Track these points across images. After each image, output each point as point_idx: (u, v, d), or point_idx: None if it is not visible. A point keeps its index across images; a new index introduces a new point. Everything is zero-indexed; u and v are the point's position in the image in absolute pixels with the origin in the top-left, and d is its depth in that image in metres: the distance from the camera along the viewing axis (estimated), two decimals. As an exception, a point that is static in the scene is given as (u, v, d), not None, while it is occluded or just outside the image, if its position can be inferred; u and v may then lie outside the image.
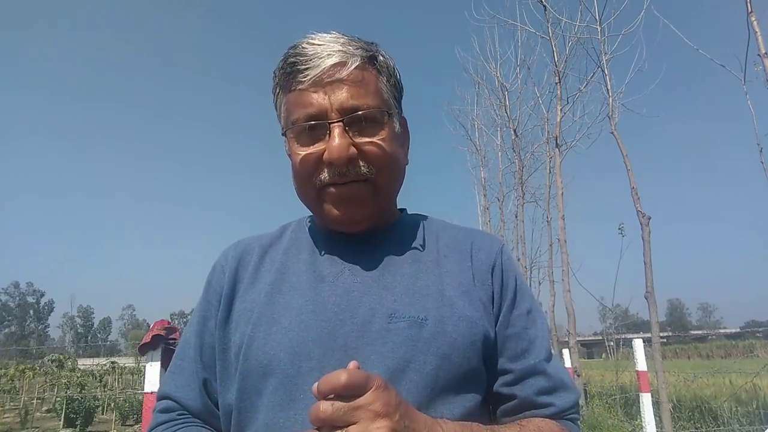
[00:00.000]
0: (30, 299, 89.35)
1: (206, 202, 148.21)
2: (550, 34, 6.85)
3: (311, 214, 0.85)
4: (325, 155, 0.69)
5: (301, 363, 0.64)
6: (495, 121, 11.02)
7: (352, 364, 0.56)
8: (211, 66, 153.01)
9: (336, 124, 0.68)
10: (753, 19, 3.23)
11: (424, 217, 0.86)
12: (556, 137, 6.90)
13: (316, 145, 0.70)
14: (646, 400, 3.91)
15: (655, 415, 3.99)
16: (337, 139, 0.67)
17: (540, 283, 11.42)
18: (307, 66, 0.69)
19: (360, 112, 0.69)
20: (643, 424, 3.93)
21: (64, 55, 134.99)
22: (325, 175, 0.70)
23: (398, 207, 0.87)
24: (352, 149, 0.69)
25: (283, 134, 0.76)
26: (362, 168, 0.70)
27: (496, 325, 0.73)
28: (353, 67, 0.70)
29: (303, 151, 0.71)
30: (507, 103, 9.88)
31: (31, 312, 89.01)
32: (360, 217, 0.73)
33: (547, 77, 8.58)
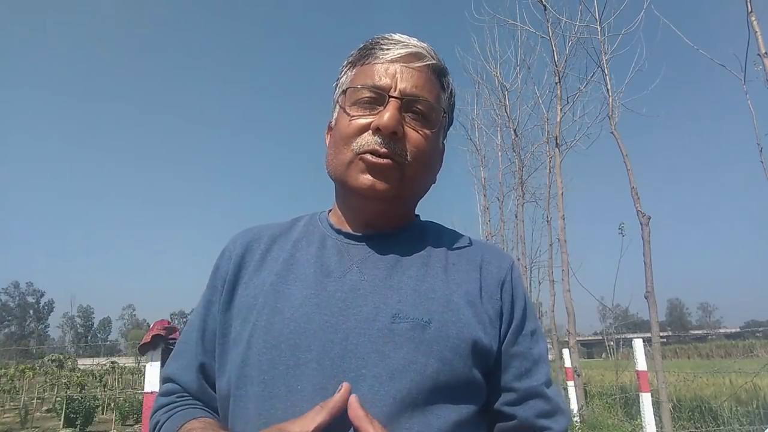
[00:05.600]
0: (30, 299, 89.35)
1: (207, 202, 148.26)
2: (550, 34, 6.85)
3: (323, 211, 0.86)
4: (375, 122, 0.72)
5: (300, 354, 0.65)
6: (495, 120, 11.03)
7: (345, 386, 0.60)
8: (213, 65, 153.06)
9: (394, 99, 0.72)
10: (753, 18, 3.23)
11: (437, 225, 0.87)
12: (556, 137, 6.89)
13: (368, 114, 0.73)
14: (646, 399, 3.92)
15: (655, 415, 4.00)
16: (390, 111, 0.71)
17: (540, 283, 11.43)
18: (389, 47, 0.75)
19: (420, 98, 0.73)
20: (643, 424, 3.94)
21: (64, 53, 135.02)
22: (366, 140, 0.72)
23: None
24: (400, 126, 0.72)
25: (342, 93, 0.78)
26: (401, 149, 0.72)
27: (500, 342, 0.73)
28: (427, 63, 0.75)
29: (354, 113, 0.74)
30: (507, 103, 9.88)
31: (31, 312, 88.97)
32: (381, 190, 0.72)
33: (547, 77, 8.59)
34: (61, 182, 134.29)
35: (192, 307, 0.83)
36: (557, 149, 6.86)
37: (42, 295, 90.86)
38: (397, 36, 0.76)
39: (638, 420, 5.20)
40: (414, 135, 0.73)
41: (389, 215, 0.78)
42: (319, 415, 0.57)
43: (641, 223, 4.69)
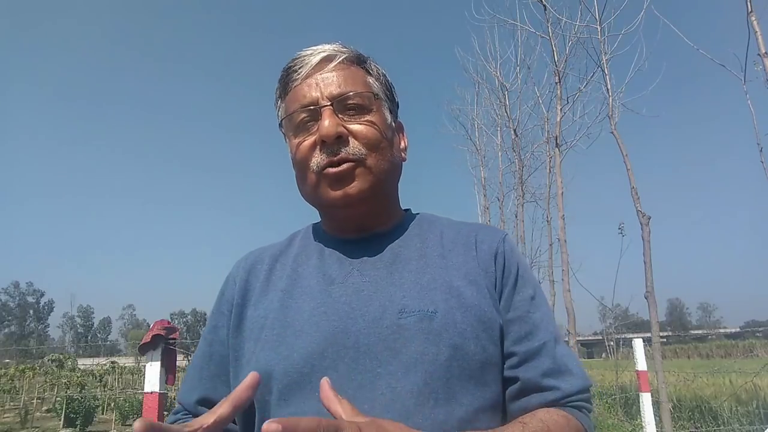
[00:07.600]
0: (30, 299, 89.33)
1: (207, 202, 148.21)
2: (550, 34, 6.83)
3: (318, 221, 0.87)
4: (316, 135, 0.73)
5: (314, 362, 0.66)
6: (495, 120, 10.99)
7: (251, 375, 0.54)
8: (215, 65, 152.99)
9: (325, 107, 0.73)
10: (753, 18, 3.22)
11: (429, 215, 0.88)
12: (556, 137, 6.89)
13: (311, 132, 0.75)
14: (646, 399, 3.92)
15: (655, 415, 3.99)
16: (326, 120, 0.72)
17: (540, 283, 11.36)
18: (301, 66, 0.77)
19: (350, 93, 0.74)
20: (643, 424, 3.93)
21: (65, 53, 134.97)
22: (319, 157, 0.73)
23: (403, 208, 0.88)
24: (341, 128, 0.73)
25: (279, 126, 0.81)
26: (352, 148, 0.73)
27: (499, 312, 0.73)
28: (340, 60, 0.77)
29: (299, 140, 0.76)
30: (507, 103, 9.86)
31: (31, 312, 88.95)
32: (355, 194, 0.73)
33: (547, 77, 8.53)
34: (62, 182, 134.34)
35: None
36: (557, 149, 6.85)
37: (42, 295, 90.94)
38: (304, 52, 0.78)
39: (638, 420, 5.21)
40: (357, 128, 0.74)
41: (375, 213, 0.79)
42: (221, 408, 0.53)
43: (641, 223, 4.68)
